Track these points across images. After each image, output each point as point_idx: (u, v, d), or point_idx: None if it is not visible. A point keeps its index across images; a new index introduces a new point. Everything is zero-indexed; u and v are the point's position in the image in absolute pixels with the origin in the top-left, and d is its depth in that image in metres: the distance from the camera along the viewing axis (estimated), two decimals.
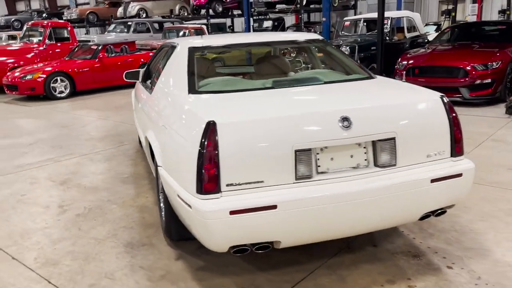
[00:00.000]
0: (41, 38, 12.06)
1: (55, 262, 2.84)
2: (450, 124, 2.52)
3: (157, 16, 21.62)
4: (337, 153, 2.33)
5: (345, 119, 2.29)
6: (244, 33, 4.20)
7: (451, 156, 2.54)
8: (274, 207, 2.12)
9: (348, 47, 8.86)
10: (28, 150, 5.72)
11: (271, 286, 2.48)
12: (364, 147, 2.37)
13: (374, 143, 2.37)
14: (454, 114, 2.54)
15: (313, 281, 2.51)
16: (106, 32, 18.25)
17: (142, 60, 11.29)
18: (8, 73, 10.53)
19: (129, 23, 16.90)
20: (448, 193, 2.47)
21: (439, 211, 2.55)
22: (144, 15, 21.35)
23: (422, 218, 2.52)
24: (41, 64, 10.62)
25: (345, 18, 11.05)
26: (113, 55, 11.39)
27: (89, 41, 14.96)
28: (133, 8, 21.29)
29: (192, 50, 3.21)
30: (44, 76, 9.93)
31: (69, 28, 12.56)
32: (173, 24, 18.59)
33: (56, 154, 5.43)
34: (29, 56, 11.68)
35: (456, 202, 2.57)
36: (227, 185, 2.15)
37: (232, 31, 22.84)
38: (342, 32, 10.49)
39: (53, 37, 12.24)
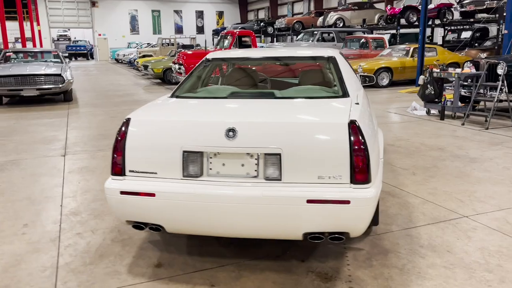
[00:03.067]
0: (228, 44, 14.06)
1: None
2: (351, 150, 2.45)
3: (356, 25, 22.04)
4: (228, 160, 2.59)
5: (231, 130, 2.54)
6: (264, 48, 4.46)
7: (351, 182, 2.47)
8: (153, 195, 2.56)
9: (504, 64, 7.73)
10: None
11: (180, 267, 2.89)
12: (256, 159, 2.56)
13: (265, 156, 2.54)
14: (359, 143, 2.45)
15: (212, 273, 2.81)
16: (294, 41, 19.67)
17: None
18: None
19: (315, 32, 17.85)
20: (330, 218, 2.43)
21: (335, 235, 2.52)
22: (341, 25, 22.05)
23: (312, 238, 2.54)
24: None
25: None
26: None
27: None
28: (332, 17, 22.20)
29: (204, 61, 3.77)
30: None
31: (251, 37, 14.23)
32: (364, 34, 18.80)
33: None
34: None
35: (348, 230, 2.48)
36: (130, 171, 2.69)
37: (431, 41, 21.51)
38: None
39: (238, 44, 14.10)
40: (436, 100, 8.34)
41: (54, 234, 3.43)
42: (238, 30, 15.94)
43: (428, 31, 21.88)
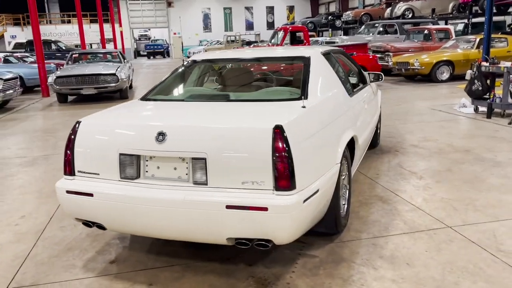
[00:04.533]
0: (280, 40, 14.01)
1: None
2: (273, 156, 2.38)
3: (428, 16, 20.83)
4: (163, 163, 2.64)
5: (161, 133, 2.58)
6: (245, 49, 4.39)
7: (274, 189, 2.40)
8: (91, 195, 2.69)
9: None
10: None
11: (132, 265, 2.99)
12: (187, 162, 2.58)
13: (192, 160, 2.55)
14: (281, 149, 2.37)
15: (157, 272, 2.87)
16: (355, 34, 19.06)
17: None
18: None
19: (376, 24, 17.17)
20: (249, 224, 2.39)
21: (261, 242, 2.47)
22: (410, 15, 20.97)
23: (239, 244, 2.51)
24: None
25: None
26: None
27: (333, 42, 16.16)
28: (400, 8, 21.19)
29: (186, 63, 3.85)
30: None
31: (303, 32, 14.05)
32: (432, 25, 17.76)
33: None
34: None
35: (271, 238, 2.42)
36: (78, 171, 2.84)
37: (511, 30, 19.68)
38: None
39: (290, 39, 14.01)
40: (485, 96, 7.67)
41: (41, 226, 3.71)
42: (290, 25, 15.83)
43: (508, 19, 20.10)
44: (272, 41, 15.14)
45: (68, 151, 2.85)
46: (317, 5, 41.60)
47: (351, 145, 3.57)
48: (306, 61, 3.47)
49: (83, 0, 36.76)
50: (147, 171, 2.68)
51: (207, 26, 40.43)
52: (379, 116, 5.56)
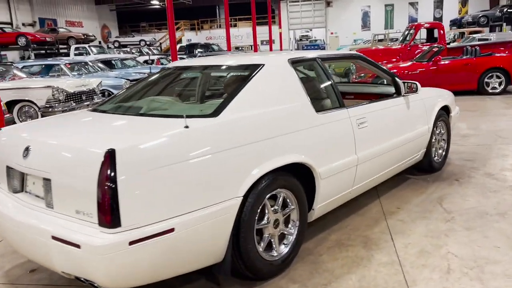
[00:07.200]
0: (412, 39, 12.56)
1: None
2: (98, 186, 2.02)
3: None
4: (36, 180, 2.48)
5: (26, 148, 2.43)
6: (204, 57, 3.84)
7: (99, 224, 2.04)
8: None
9: None
10: None
11: (44, 278, 2.94)
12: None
13: (43, 180, 2.34)
14: (107, 178, 1.99)
15: None
16: (509, 31, 15.94)
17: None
18: None
19: None
20: (68, 260, 2.09)
21: (93, 283, 2.13)
22: None
23: (77, 278, 2.21)
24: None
25: None
26: (467, 56, 10.56)
27: (487, 39, 13.86)
28: None
29: (163, 70, 3.63)
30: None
31: (438, 29, 12.33)
32: None
33: None
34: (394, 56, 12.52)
35: (91, 279, 2.07)
36: None
37: None
38: None
39: (426, 37, 12.43)
40: None
41: None
42: (426, 22, 14.00)
43: None
44: (407, 35, 13.64)
45: None
46: None
47: (309, 173, 2.89)
48: (253, 70, 2.90)
49: (246, 5, 39.19)
50: (27, 186, 2.57)
51: (365, 25, 38.93)
52: (437, 135, 4.47)
